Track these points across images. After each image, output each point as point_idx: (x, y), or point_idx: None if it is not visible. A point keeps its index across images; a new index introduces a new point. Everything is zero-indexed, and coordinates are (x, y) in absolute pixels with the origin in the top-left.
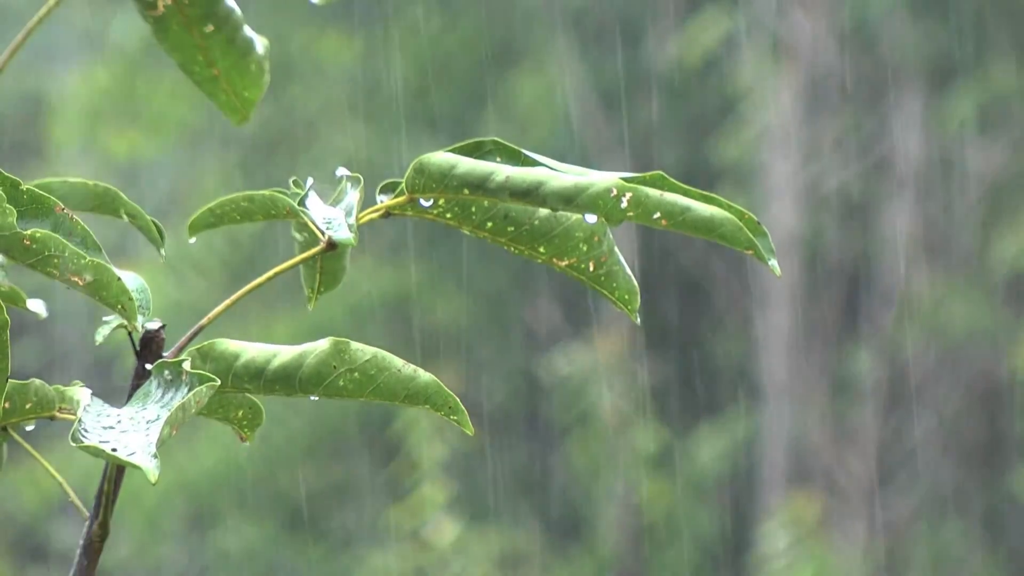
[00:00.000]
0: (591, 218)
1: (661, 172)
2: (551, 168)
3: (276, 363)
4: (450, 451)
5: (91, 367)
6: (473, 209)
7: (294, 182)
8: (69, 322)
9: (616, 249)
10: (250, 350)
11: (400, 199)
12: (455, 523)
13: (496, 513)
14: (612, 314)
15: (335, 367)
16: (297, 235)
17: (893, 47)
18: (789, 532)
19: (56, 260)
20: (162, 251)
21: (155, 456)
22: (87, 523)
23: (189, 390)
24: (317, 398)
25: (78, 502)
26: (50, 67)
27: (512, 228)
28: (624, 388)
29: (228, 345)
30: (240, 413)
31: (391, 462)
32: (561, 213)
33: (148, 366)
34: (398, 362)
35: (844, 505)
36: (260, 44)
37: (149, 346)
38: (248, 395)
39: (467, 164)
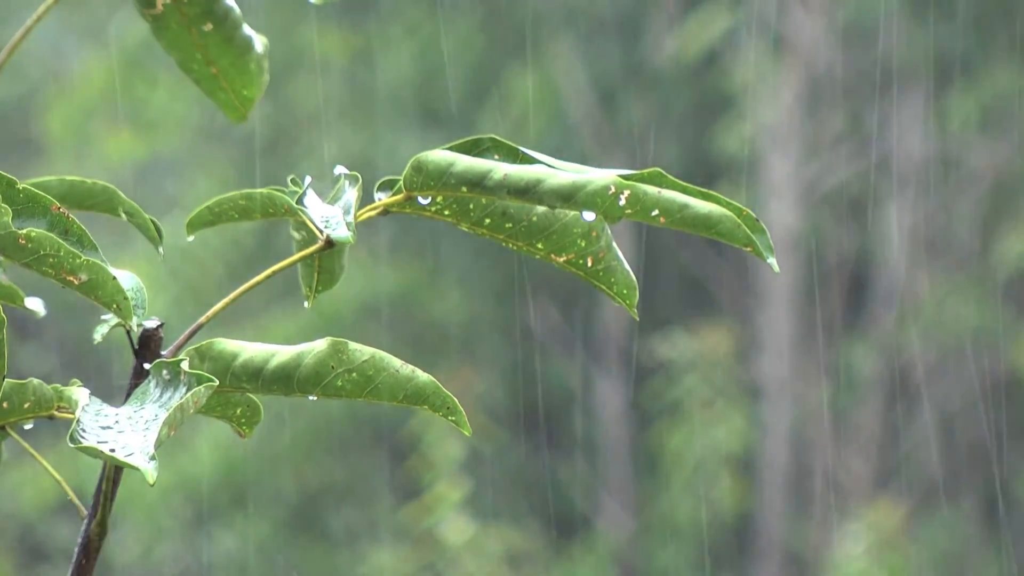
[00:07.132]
0: (589, 215)
1: (659, 169)
2: (549, 166)
3: (274, 363)
4: (468, 450)
5: (98, 364)
6: (471, 206)
7: (292, 180)
8: (83, 318)
9: (614, 244)
10: (248, 350)
11: (398, 197)
12: (469, 522)
13: (506, 512)
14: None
15: (333, 367)
16: (296, 234)
17: (894, 45)
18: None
19: (51, 259)
20: (160, 249)
21: (153, 457)
22: (85, 522)
23: (187, 390)
24: (315, 398)
25: (77, 501)
26: (49, 65)
27: (510, 224)
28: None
29: (226, 345)
30: (238, 411)
31: (405, 460)
32: (559, 209)
33: (146, 365)
34: (396, 362)
35: (845, 503)
36: (259, 43)
37: (147, 344)
38: (246, 394)
39: (465, 162)
